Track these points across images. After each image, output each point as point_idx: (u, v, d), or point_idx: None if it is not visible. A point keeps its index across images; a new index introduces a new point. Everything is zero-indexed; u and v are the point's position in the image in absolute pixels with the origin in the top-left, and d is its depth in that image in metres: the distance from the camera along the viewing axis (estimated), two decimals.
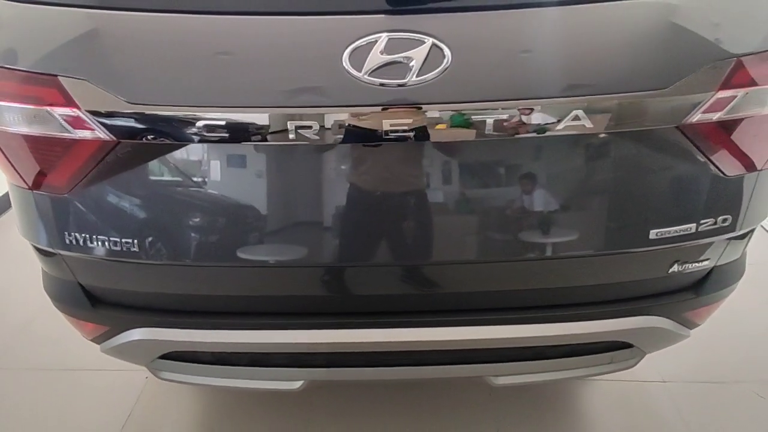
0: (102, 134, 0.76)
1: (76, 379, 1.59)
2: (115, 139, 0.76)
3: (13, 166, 0.85)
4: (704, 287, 1.02)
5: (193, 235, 0.85)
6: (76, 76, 0.73)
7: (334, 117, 0.71)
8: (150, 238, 0.85)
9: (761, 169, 0.90)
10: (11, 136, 0.80)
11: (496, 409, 1.47)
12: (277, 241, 0.85)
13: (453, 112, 0.71)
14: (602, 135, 0.77)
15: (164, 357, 1.05)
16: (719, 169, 0.85)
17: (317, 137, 0.72)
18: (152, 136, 0.75)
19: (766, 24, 0.77)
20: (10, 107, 0.77)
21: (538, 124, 0.73)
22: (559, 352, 1.05)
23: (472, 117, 0.72)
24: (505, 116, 0.72)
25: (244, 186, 0.81)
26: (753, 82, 0.76)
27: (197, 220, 0.84)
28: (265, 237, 0.85)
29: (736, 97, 0.76)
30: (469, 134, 0.73)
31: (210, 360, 1.05)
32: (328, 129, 0.72)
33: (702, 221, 0.89)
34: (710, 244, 0.95)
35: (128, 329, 0.99)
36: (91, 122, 0.75)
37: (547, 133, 0.74)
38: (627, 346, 1.05)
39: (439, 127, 0.72)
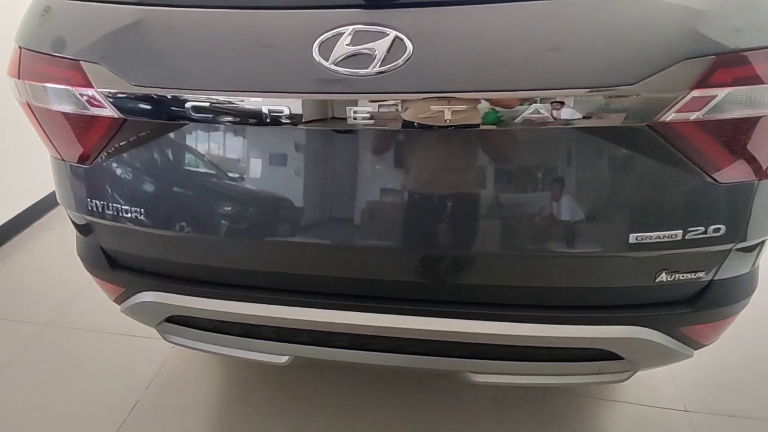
0: (112, 112, 0.87)
1: (115, 341, 1.77)
2: (122, 116, 0.87)
3: (49, 138, 0.99)
4: (701, 302, 0.96)
5: (186, 208, 0.94)
6: (93, 61, 0.85)
7: (303, 102, 0.77)
8: (153, 209, 0.95)
9: (761, 179, 0.84)
10: (46, 112, 0.94)
11: (503, 423, 1.46)
12: (255, 218, 0.92)
13: (413, 101, 0.75)
14: (564, 129, 0.77)
15: (169, 321, 1.16)
16: (706, 175, 0.81)
17: (288, 121, 0.79)
18: (151, 115, 0.85)
19: (750, 21, 0.73)
20: (45, 87, 0.90)
21: (495, 117, 0.74)
22: (543, 356, 1.03)
23: (432, 107, 0.75)
24: (464, 107, 0.74)
25: (226, 163, 0.89)
26: (737, 82, 0.73)
27: (189, 194, 0.93)
28: (245, 213, 0.92)
29: (715, 96, 0.73)
30: (429, 123, 0.76)
31: (208, 327, 1.14)
32: (298, 113, 0.78)
33: (689, 229, 0.85)
34: (703, 254, 0.90)
35: (139, 292, 1.11)
36: (104, 101, 0.86)
37: (505, 126, 0.75)
38: (616, 357, 1.01)
39: (399, 114, 0.76)
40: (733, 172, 0.82)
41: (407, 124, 0.77)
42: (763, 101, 0.75)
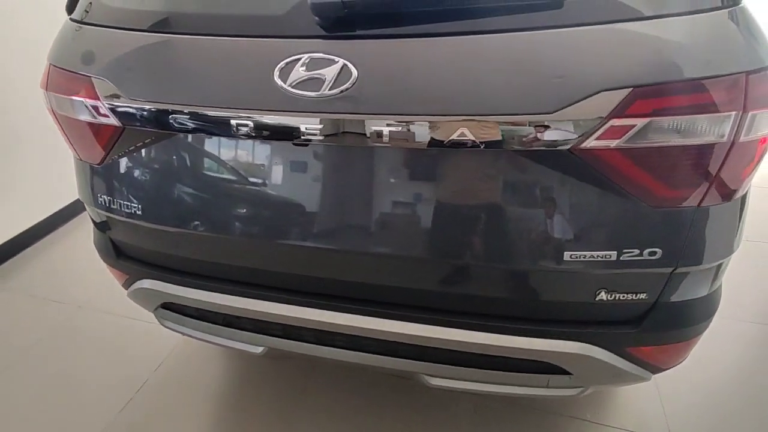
0: (114, 121, 1.01)
1: (135, 325, 1.95)
2: (121, 125, 1.01)
3: (69, 141, 1.15)
4: (647, 323, 0.98)
5: (174, 206, 1.07)
6: (100, 77, 0.99)
7: (263, 118, 0.88)
8: (147, 206, 1.09)
9: (700, 205, 0.87)
10: (65, 119, 1.10)
11: None
12: (228, 217, 1.03)
13: (354, 121, 0.84)
14: (490, 152, 0.83)
15: (164, 307, 1.30)
16: (637, 199, 0.85)
17: (253, 134, 0.90)
18: (143, 124, 0.98)
19: (668, 55, 0.77)
20: (62, 98, 1.06)
21: (426, 138, 0.82)
22: (495, 364, 1.08)
23: (372, 127, 0.83)
24: (399, 128, 0.82)
25: (206, 169, 1.01)
26: (657, 113, 0.77)
27: (176, 195, 1.06)
28: (220, 213, 1.03)
29: (634, 126, 0.77)
30: (369, 142, 0.85)
31: (195, 315, 1.27)
32: (260, 128, 0.89)
33: (624, 251, 0.88)
34: (641, 276, 0.93)
35: (140, 279, 1.25)
36: (108, 111, 1.01)
37: (436, 147, 0.83)
38: (564, 371, 1.05)
39: (343, 133, 0.85)
40: (665, 199, 0.85)
41: (351, 141, 0.86)
42: (687, 131, 0.78)
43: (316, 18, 0.84)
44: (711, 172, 0.83)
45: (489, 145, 0.81)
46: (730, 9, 0.80)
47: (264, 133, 0.89)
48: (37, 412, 1.63)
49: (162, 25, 0.96)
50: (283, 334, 1.19)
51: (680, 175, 0.83)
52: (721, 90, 0.76)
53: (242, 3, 0.93)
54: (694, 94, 0.76)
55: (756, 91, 0.78)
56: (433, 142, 0.83)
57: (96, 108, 1.02)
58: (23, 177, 2.45)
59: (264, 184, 0.98)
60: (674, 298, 0.97)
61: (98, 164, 1.12)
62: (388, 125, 0.82)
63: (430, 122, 0.81)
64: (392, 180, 0.92)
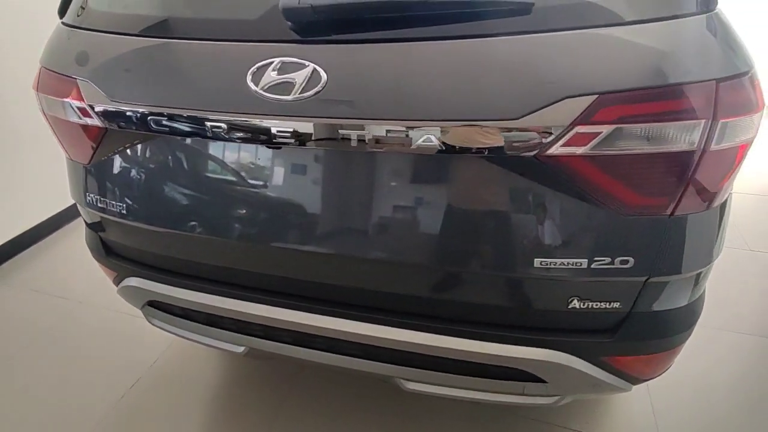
0: (97, 121, 1.03)
1: (134, 322, 1.98)
2: (105, 126, 1.03)
3: (59, 140, 1.18)
4: (622, 333, 0.97)
5: (154, 206, 1.08)
6: (84, 79, 1.02)
7: (236, 121, 0.89)
8: (130, 205, 1.11)
9: (673, 214, 0.85)
10: (54, 119, 1.13)
11: None
12: (204, 217, 1.04)
13: (323, 124, 0.84)
14: (458, 157, 0.83)
15: (151, 305, 1.32)
16: (607, 207, 0.84)
17: (226, 135, 0.91)
18: (124, 125, 1.01)
19: (634, 62, 0.76)
20: (51, 100, 1.09)
21: (394, 143, 0.82)
22: (471, 370, 1.07)
23: (340, 131, 0.84)
24: (366, 132, 0.83)
25: (183, 170, 1.03)
26: (623, 120, 0.76)
27: (155, 194, 1.07)
28: (196, 213, 1.05)
29: (600, 133, 0.76)
30: (338, 145, 0.86)
31: (179, 314, 1.28)
32: (233, 130, 0.90)
33: (595, 259, 0.87)
34: (614, 284, 0.91)
35: (128, 276, 1.27)
36: (92, 112, 1.03)
37: (403, 151, 0.83)
38: (539, 379, 1.04)
39: (312, 136, 0.86)
40: (636, 207, 0.84)
41: (320, 144, 0.87)
42: (655, 139, 0.77)
43: (288, 22, 0.85)
44: (682, 181, 0.81)
45: (455, 150, 0.81)
46: (702, 15, 0.79)
47: (238, 135, 0.91)
48: (35, 404, 1.67)
49: (141, 29, 0.98)
50: (263, 334, 1.20)
51: (650, 183, 0.82)
52: (689, 97, 0.75)
53: (217, 7, 0.95)
54: (661, 102, 0.75)
55: (727, 98, 0.77)
56: (399, 147, 0.83)
57: (81, 109, 1.04)
58: (29, 177, 2.51)
59: (239, 186, 0.99)
60: (650, 308, 0.96)
61: (86, 164, 1.15)
62: (355, 129, 0.83)
63: (396, 127, 0.81)
64: (360, 183, 0.92)
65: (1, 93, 2.30)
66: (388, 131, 0.82)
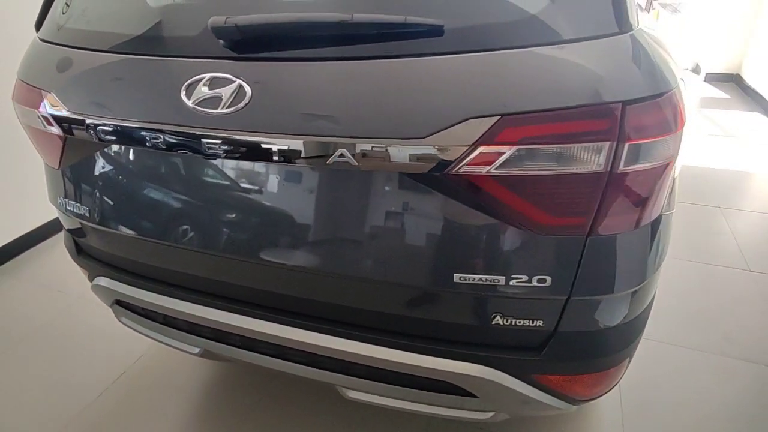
0: (58, 130, 1.10)
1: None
2: (64, 134, 1.10)
3: (37, 147, 1.26)
4: (549, 352, 0.96)
5: (110, 209, 1.14)
6: (46, 89, 1.09)
7: (172, 132, 0.94)
8: (91, 209, 1.17)
9: (590, 235, 0.85)
10: (27, 127, 1.20)
11: None
12: (151, 222, 1.09)
13: (246, 139, 0.88)
14: (372, 174, 0.86)
15: (118, 304, 1.38)
16: (519, 226, 0.84)
17: (162, 146, 0.96)
18: (76, 134, 1.07)
19: (536, 84, 0.76)
20: (24, 109, 1.17)
21: (308, 157, 0.85)
22: (405, 381, 1.08)
23: (261, 144, 0.87)
24: (285, 147, 0.86)
25: (128, 177, 1.09)
26: (526, 141, 0.77)
27: (110, 199, 1.13)
28: (145, 218, 1.10)
29: (503, 153, 0.77)
30: (260, 158, 0.89)
31: (141, 314, 1.34)
32: (169, 142, 0.95)
33: (512, 276, 0.88)
34: (535, 302, 0.91)
35: (98, 276, 1.34)
36: (53, 121, 1.10)
37: (318, 166, 0.86)
38: (472, 394, 1.04)
39: (237, 148, 0.90)
40: (549, 227, 0.84)
41: (245, 156, 0.90)
42: (560, 160, 0.77)
43: (219, 40, 0.89)
44: (593, 202, 0.81)
45: (369, 166, 0.84)
46: (614, 37, 0.78)
47: (174, 146, 0.95)
48: (28, 390, 1.78)
49: (92, 43, 1.04)
50: (214, 337, 1.24)
51: (560, 204, 0.82)
52: (592, 120, 0.75)
53: (159, 25, 1.00)
54: (563, 124, 0.76)
55: (635, 121, 0.76)
56: (316, 161, 0.86)
57: (45, 118, 1.11)
58: (40, 176, 2.65)
59: (180, 194, 1.04)
60: (577, 327, 0.95)
61: (56, 168, 1.22)
62: (275, 144, 0.86)
63: (312, 142, 0.84)
64: (283, 196, 0.95)
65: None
66: (304, 146, 0.85)
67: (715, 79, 4.93)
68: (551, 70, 0.77)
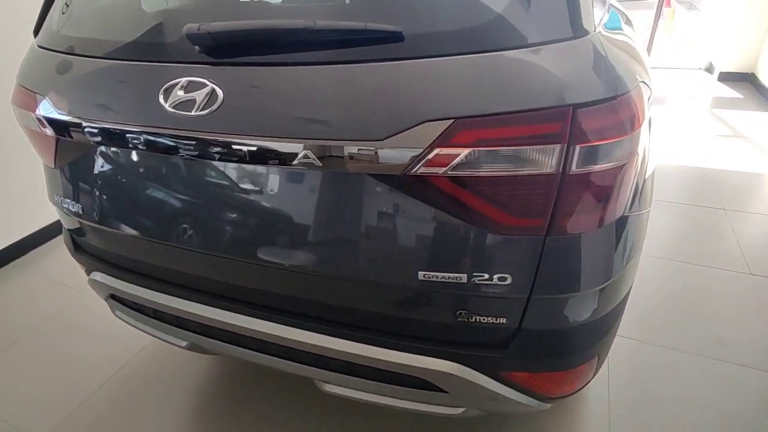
0: (50, 131, 1.16)
1: None
2: (55, 135, 1.16)
3: (35, 148, 1.33)
4: (514, 348, 0.98)
5: (100, 207, 1.20)
6: (41, 93, 1.15)
7: (150, 133, 0.98)
8: (83, 206, 1.23)
9: (549, 234, 0.87)
10: (26, 129, 1.27)
11: None
12: (136, 218, 1.14)
13: (218, 140, 0.92)
14: (337, 174, 0.89)
15: (113, 298, 1.44)
16: (478, 225, 0.87)
17: (143, 147, 1.01)
18: (66, 135, 1.12)
19: (490, 88, 0.79)
20: (21, 112, 1.23)
21: (277, 158, 0.89)
22: (377, 376, 1.11)
23: (231, 146, 0.91)
24: (254, 149, 0.90)
25: (115, 176, 1.14)
26: (480, 143, 0.79)
27: (97, 197, 1.19)
28: (132, 215, 1.15)
29: (458, 155, 0.80)
30: (232, 159, 0.93)
31: (134, 308, 1.40)
32: (148, 143, 1.00)
33: (474, 274, 0.90)
34: (497, 300, 0.94)
35: (94, 271, 1.40)
36: (46, 123, 1.16)
37: (285, 166, 0.90)
38: (441, 389, 1.06)
39: (210, 150, 0.94)
40: (507, 227, 0.86)
41: (218, 158, 0.94)
42: (513, 162, 0.80)
43: (195, 46, 0.93)
44: (548, 203, 0.83)
45: (331, 166, 0.87)
46: (568, 42, 0.80)
47: (154, 147, 1.00)
48: (33, 380, 1.86)
49: (80, 48, 1.10)
50: (200, 331, 1.29)
51: (516, 204, 0.84)
52: (543, 123, 0.77)
53: (141, 31, 1.05)
54: (514, 127, 0.78)
55: (586, 124, 0.78)
56: (283, 162, 0.89)
57: (39, 120, 1.17)
58: None
59: (161, 194, 1.09)
60: (542, 325, 0.97)
61: (52, 167, 1.28)
62: (244, 145, 0.90)
63: (279, 144, 0.88)
64: (254, 197, 0.99)
65: None
66: (270, 148, 0.88)
67: (729, 78, 4.83)
68: (505, 74, 0.79)
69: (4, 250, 2.59)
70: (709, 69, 5.18)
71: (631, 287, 1.14)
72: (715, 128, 3.82)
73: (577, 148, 0.79)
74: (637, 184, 0.96)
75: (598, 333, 1.03)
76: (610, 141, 0.81)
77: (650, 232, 1.42)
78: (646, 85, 0.97)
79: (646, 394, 1.66)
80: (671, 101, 4.43)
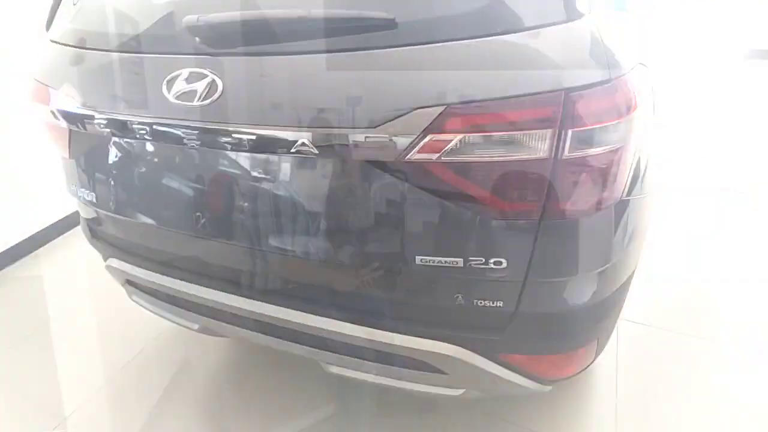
0: (64, 123, 1.20)
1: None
2: (68, 126, 1.20)
3: (50, 140, 1.38)
4: (511, 331, 0.99)
5: (109, 194, 1.24)
6: (54, 86, 1.19)
7: (155, 124, 1.02)
8: (96, 195, 1.28)
9: (543, 218, 0.87)
10: (42, 121, 1.32)
11: None
12: (140, 206, 1.18)
13: (218, 129, 0.95)
14: (332, 161, 0.91)
15: (129, 283, 1.50)
16: (473, 210, 0.88)
17: (150, 137, 1.04)
18: (78, 126, 1.17)
19: (481, 75, 0.79)
20: (37, 105, 1.28)
21: (275, 147, 0.91)
22: (381, 357, 1.14)
23: (232, 134, 0.94)
24: (252, 137, 0.92)
25: (124, 165, 1.18)
26: (471, 129, 0.80)
27: (108, 185, 1.23)
28: (141, 202, 1.19)
29: (451, 141, 0.81)
30: (232, 147, 0.96)
31: (150, 293, 1.45)
32: (154, 132, 1.03)
33: (470, 259, 0.92)
34: (493, 283, 0.95)
35: (110, 257, 1.46)
36: (59, 115, 1.20)
37: (285, 154, 0.92)
38: (441, 371, 1.09)
39: (211, 138, 0.96)
40: (501, 212, 0.87)
41: (219, 146, 0.97)
42: (506, 147, 0.80)
43: (196, 38, 0.96)
44: (542, 188, 0.84)
45: (327, 154, 0.89)
46: (559, 26, 0.80)
47: (159, 137, 1.03)
48: (51, 367, 1.94)
49: (88, 42, 1.13)
50: (211, 315, 1.33)
51: (510, 189, 0.85)
52: (534, 108, 0.78)
53: (145, 24, 1.07)
54: (506, 112, 0.78)
55: (578, 108, 0.78)
56: (280, 150, 0.92)
57: (53, 112, 1.22)
58: None
59: (168, 181, 1.12)
60: (539, 308, 0.97)
61: (67, 158, 1.33)
62: (243, 134, 0.93)
63: (275, 132, 0.90)
64: (256, 184, 1.01)
65: None
66: (269, 136, 0.91)
67: (759, 56, 4.66)
68: (496, 60, 0.79)
69: (31, 237, 2.70)
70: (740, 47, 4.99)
71: (633, 271, 1.14)
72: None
73: (570, 132, 0.79)
74: (637, 168, 0.95)
75: (598, 317, 1.04)
76: (603, 125, 0.80)
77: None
78: (644, 66, 0.95)
79: (656, 376, 1.66)
80: None
